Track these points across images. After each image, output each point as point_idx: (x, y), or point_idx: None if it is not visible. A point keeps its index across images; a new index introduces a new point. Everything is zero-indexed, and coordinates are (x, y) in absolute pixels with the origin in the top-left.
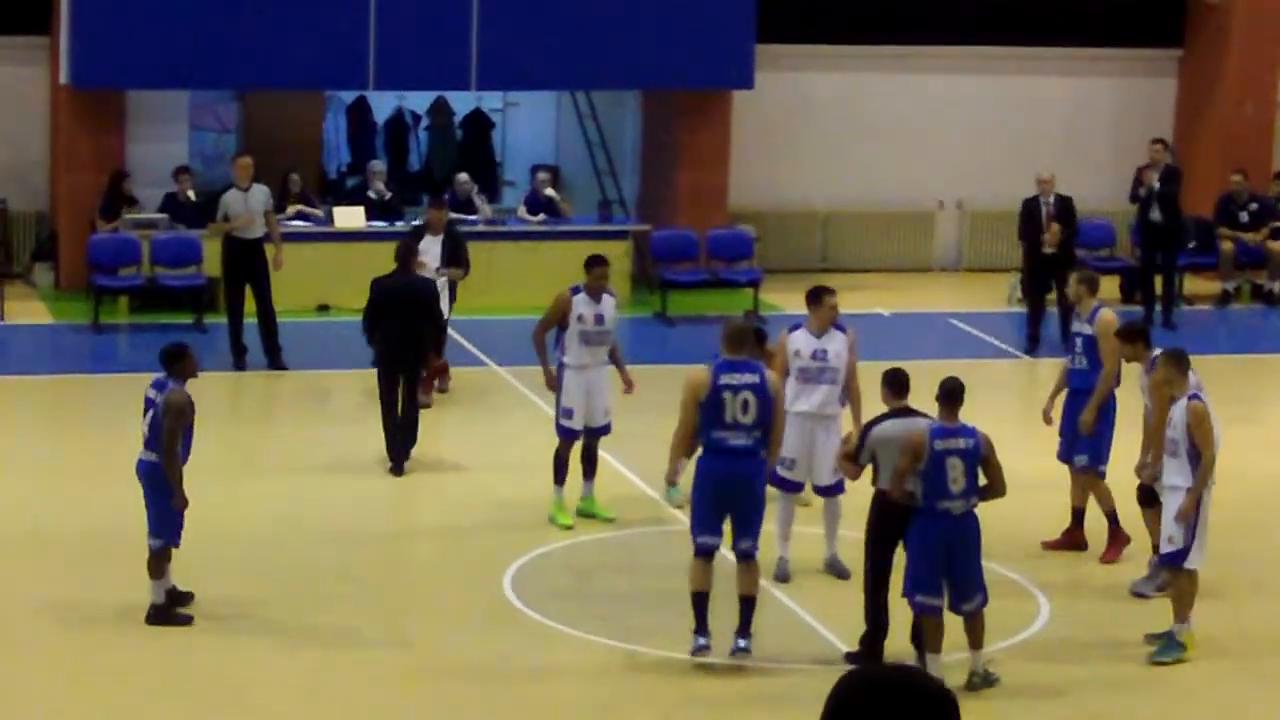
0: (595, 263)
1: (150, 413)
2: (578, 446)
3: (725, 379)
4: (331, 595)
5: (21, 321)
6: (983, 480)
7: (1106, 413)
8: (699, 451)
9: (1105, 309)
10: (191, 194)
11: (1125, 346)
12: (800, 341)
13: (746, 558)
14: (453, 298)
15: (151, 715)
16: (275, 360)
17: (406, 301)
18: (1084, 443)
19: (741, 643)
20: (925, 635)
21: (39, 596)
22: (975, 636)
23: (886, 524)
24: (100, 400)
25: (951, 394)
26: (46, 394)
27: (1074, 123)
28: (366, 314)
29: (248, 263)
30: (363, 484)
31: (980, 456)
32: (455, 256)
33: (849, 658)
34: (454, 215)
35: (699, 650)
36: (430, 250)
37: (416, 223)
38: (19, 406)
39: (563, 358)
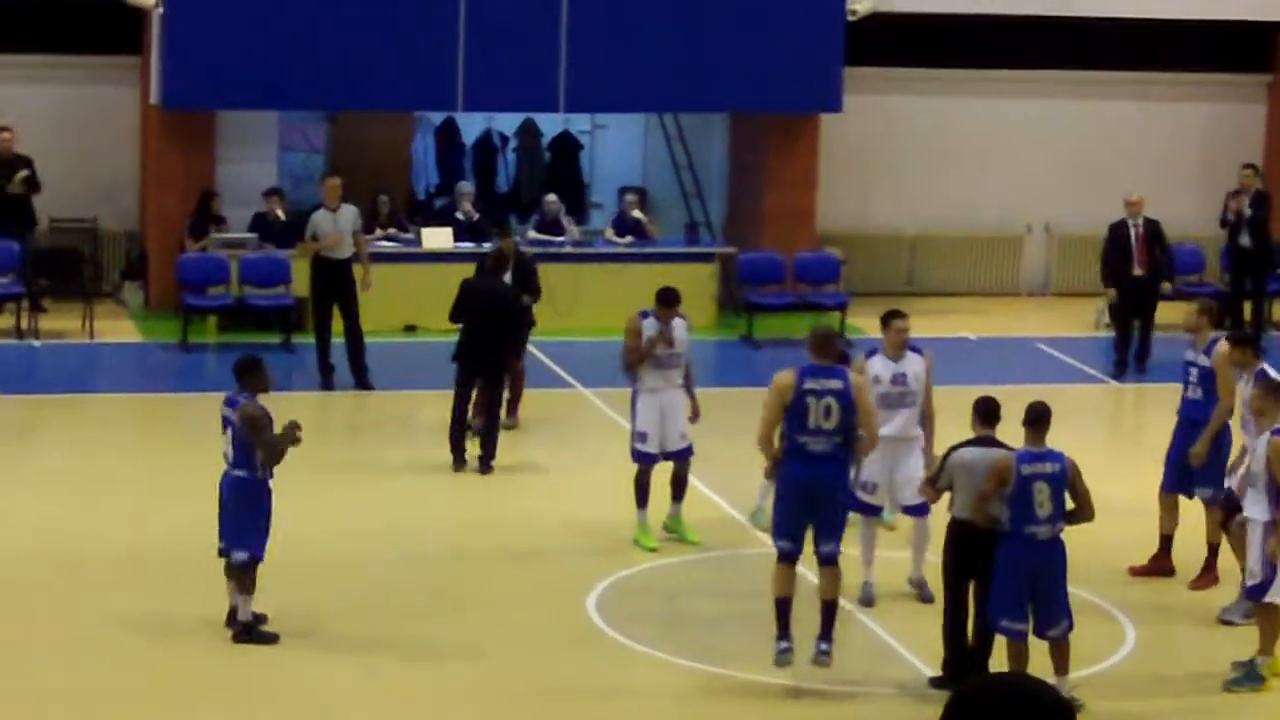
0: (669, 300)
1: (229, 430)
2: (661, 470)
3: (809, 384)
4: (415, 614)
5: (111, 340)
6: (1070, 504)
7: (1221, 444)
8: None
9: (1224, 341)
10: (281, 214)
11: (1234, 351)
12: (878, 367)
13: (829, 561)
14: (528, 324)
15: None
16: (362, 380)
17: (489, 305)
18: (1204, 475)
19: (823, 646)
20: (1010, 660)
21: (129, 612)
22: (1060, 662)
23: (963, 550)
24: (188, 418)
25: (1038, 418)
26: (135, 412)
27: (1163, 148)
28: (452, 313)
29: (336, 283)
30: (447, 504)
31: (1067, 481)
32: (525, 282)
33: (933, 683)
34: (541, 236)
35: (781, 654)
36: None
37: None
38: (108, 424)
39: (634, 382)
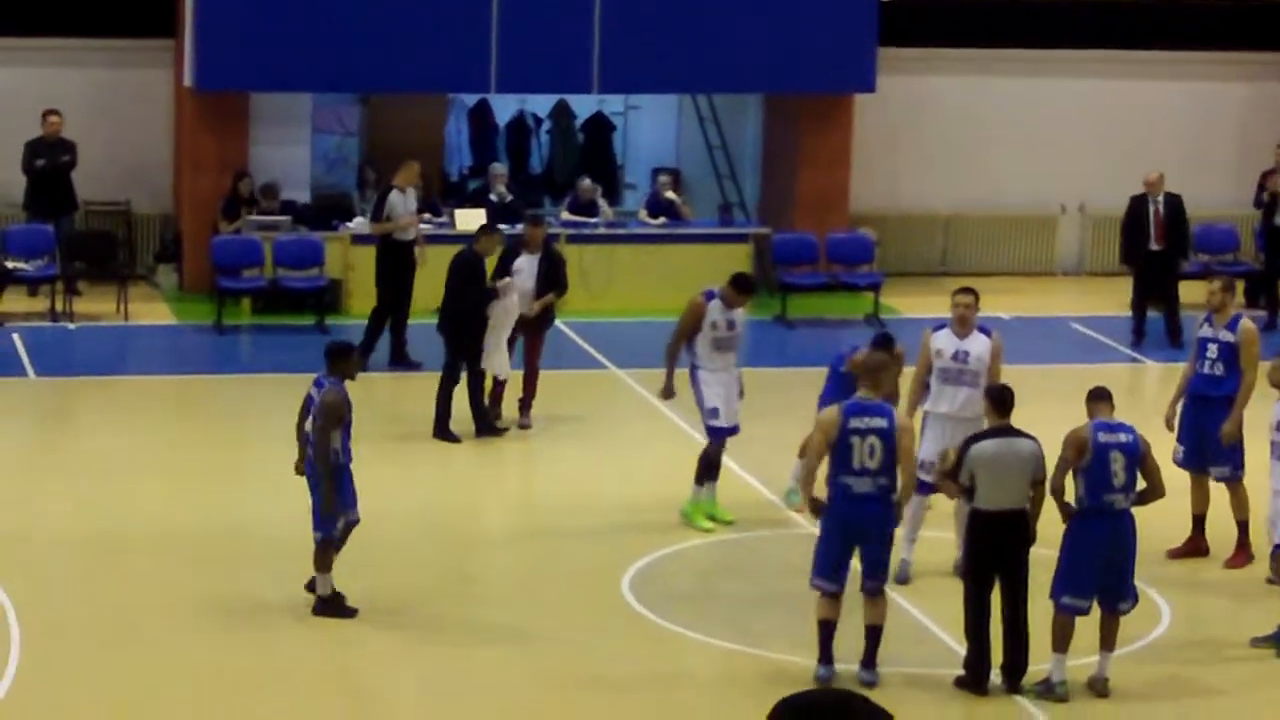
0: (747, 289)
1: (311, 409)
2: (693, 450)
3: (854, 422)
4: (447, 595)
5: (145, 322)
6: (1141, 483)
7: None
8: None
9: (1246, 317)
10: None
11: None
12: (942, 341)
13: (875, 594)
14: (548, 321)
15: (269, 713)
16: (400, 357)
17: (451, 273)
18: (1221, 453)
19: (864, 675)
20: (1056, 636)
21: (163, 595)
22: (1110, 637)
23: (986, 543)
24: (223, 400)
25: (1103, 392)
26: (170, 394)
27: (1198, 127)
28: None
29: (405, 263)
30: (485, 486)
31: (1140, 452)
32: (552, 276)
33: (958, 683)
34: (575, 218)
35: (822, 680)
36: (526, 269)
37: (517, 231)
38: (143, 407)
39: (695, 361)
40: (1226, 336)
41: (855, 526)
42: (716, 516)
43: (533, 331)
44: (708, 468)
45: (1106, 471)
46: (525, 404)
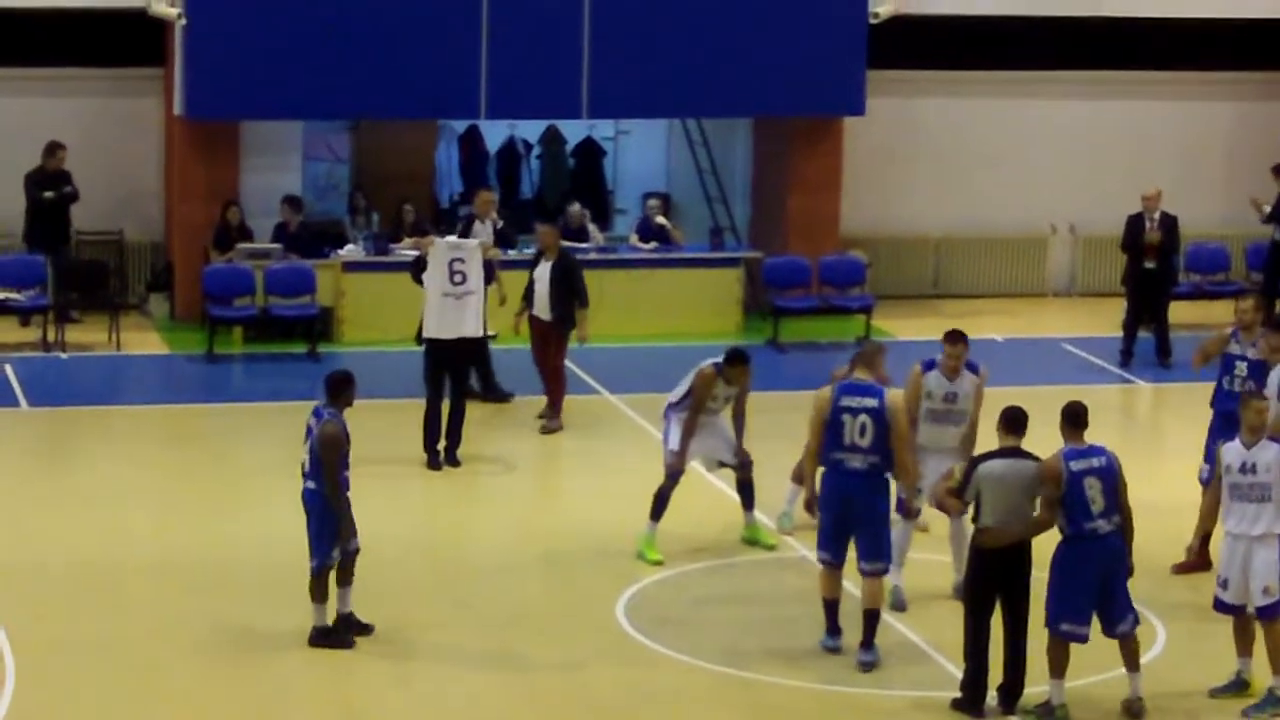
0: (738, 361)
1: (309, 440)
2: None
3: (845, 401)
4: (445, 622)
5: (137, 352)
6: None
7: None
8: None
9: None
10: (293, 224)
11: (1274, 336)
12: (933, 384)
13: (870, 575)
14: (568, 323)
15: None
16: (490, 387)
17: None
18: None
19: (864, 656)
20: (1055, 663)
21: (157, 624)
22: (1131, 659)
23: (985, 565)
24: (215, 429)
25: (1076, 416)
26: (162, 423)
27: (1188, 146)
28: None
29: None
30: (479, 511)
31: (1115, 473)
32: (566, 285)
33: (955, 704)
34: (566, 244)
35: (828, 649)
36: (541, 276)
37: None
38: (134, 436)
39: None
40: (1255, 354)
41: (846, 499)
42: (760, 541)
43: (555, 335)
44: (745, 493)
45: (1083, 499)
46: (554, 405)
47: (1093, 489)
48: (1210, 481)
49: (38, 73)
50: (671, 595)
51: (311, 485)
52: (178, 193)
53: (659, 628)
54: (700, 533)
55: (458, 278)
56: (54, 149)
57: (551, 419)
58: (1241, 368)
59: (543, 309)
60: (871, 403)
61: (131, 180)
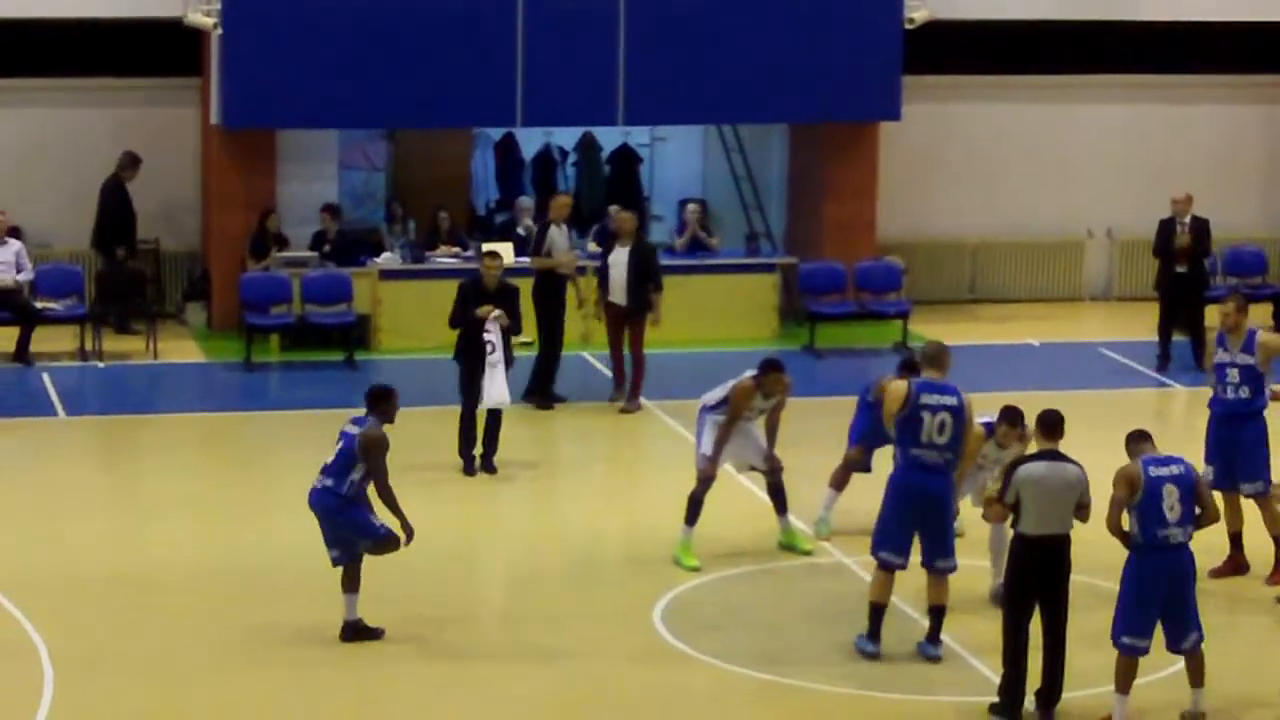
0: (773, 369)
1: (341, 443)
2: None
3: (925, 399)
4: (482, 626)
5: (174, 360)
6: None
7: (1262, 438)
8: (892, 468)
9: (1262, 330)
10: (330, 230)
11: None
12: (989, 450)
13: (940, 573)
14: (645, 308)
15: None
16: (547, 392)
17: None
18: (1251, 470)
19: (931, 649)
20: (1119, 676)
21: (196, 631)
22: (1196, 674)
23: (1026, 569)
24: (252, 437)
25: (1142, 434)
26: (199, 431)
27: (1224, 150)
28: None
29: (562, 299)
30: (516, 517)
31: (1194, 482)
32: (644, 268)
33: (993, 709)
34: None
35: (864, 653)
36: (618, 262)
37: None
38: (173, 445)
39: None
40: (1245, 359)
41: (920, 496)
42: (796, 546)
43: (632, 320)
44: (777, 497)
45: (1160, 506)
46: (635, 388)
47: (1171, 496)
48: (1215, 484)
49: (75, 83)
50: (708, 600)
51: (329, 483)
52: (215, 202)
53: (696, 633)
54: (737, 538)
55: (489, 348)
56: (135, 161)
57: (632, 399)
58: (1234, 374)
59: (619, 294)
60: (951, 400)
61: (168, 189)
